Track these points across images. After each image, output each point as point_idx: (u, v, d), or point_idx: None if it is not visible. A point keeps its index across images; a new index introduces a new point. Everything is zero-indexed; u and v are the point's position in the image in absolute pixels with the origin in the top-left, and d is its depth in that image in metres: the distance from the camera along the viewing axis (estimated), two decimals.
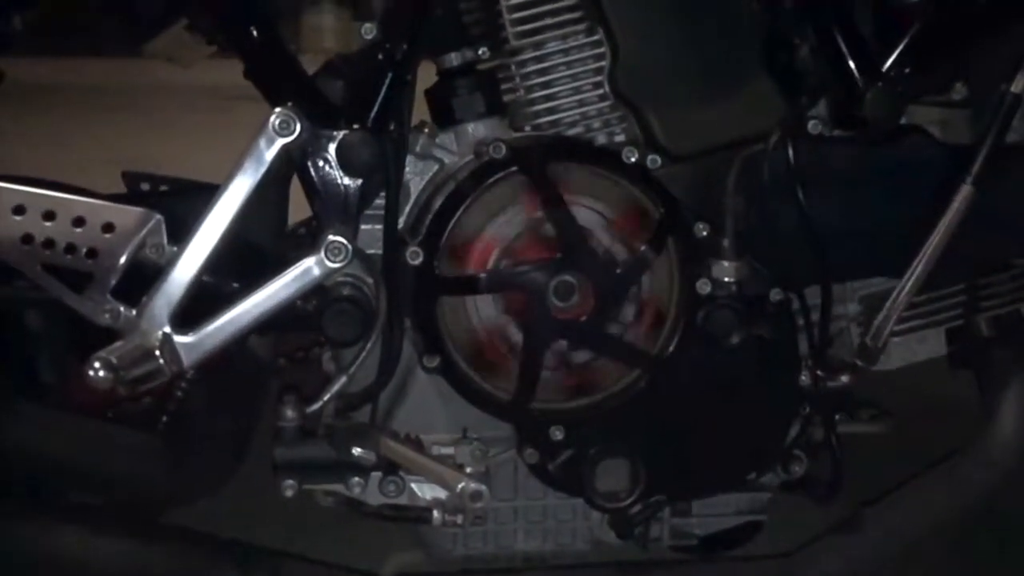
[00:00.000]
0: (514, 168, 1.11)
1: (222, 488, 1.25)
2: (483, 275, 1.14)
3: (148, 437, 1.17)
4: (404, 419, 1.24)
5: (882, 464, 1.35)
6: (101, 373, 0.97)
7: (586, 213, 1.15)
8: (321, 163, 1.12)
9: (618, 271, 1.14)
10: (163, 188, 1.41)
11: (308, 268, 1.09)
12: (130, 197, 1.18)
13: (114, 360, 0.98)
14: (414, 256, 1.12)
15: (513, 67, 1.21)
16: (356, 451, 1.11)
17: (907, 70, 1.16)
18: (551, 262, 1.13)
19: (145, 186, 1.42)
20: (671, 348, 1.17)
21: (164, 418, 1.27)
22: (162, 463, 1.18)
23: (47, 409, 1.16)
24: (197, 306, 1.10)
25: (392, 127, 1.16)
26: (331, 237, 1.10)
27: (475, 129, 1.21)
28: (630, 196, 1.16)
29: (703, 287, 1.16)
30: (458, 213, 1.12)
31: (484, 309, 1.16)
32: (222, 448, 1.27)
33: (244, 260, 1.16)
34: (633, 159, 1.14)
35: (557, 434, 1.18)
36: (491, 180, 1.12)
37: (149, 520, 1.22)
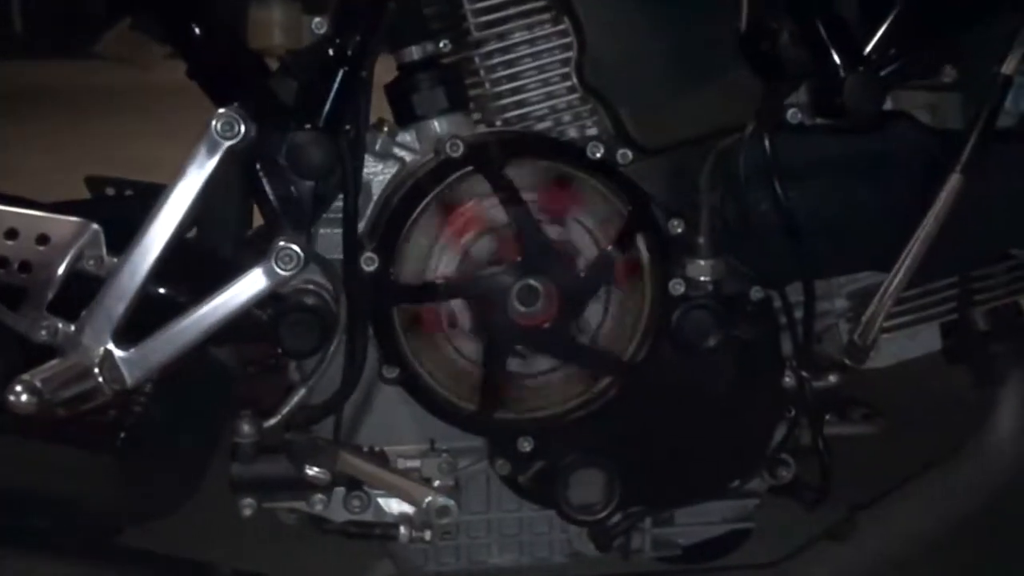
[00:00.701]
0: (470, 167, 1.05)
1: (182, 505, 1.19)
2: (441, 281, 1.08)
3: (92, 456, 1.11)
4: (370, 431, 1.19)
5: (874, 466, 1.31)
6: (24, 397, 0.92)
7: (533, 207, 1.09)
8: (271, 166, 1.07)
9: (584, 273, 1.09)
10: (128, 192, 1.37)
11: (257, 277, 1.04)
12: (72, 205, 1.12)
13: (38, 383, 0.92)
14: (369, 262, 1.06)
15: (477, 60, 1.15)
16: (312, 470, 1.05)
17: (890, 52, 1.11)
18: (513, 266, 1.07)
19: (110, 191, 1.37)
20: (643, 353, 1.11)
21: (122, 433, 1.22)
22: (110, 482, 1.13)
23: None
24: (146, 320, 1.04)
25: (348, 126, 1.10)
26: (281, 244, 1.04)
27: (438, 126, 1.16)
28: (597, 193, 1.10)
29: (676, 287, 1.11)
30: (413, 216, 1.06)
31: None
32: (181, 463, 1.21)
33: (200, 270, 1.11)
34: (598, 154, 1.08)
35: (526, 445, 1.13)
36: (447, 180, 1.06)
37: (102, 542, 1.16)
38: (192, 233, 1.14)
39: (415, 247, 1.08)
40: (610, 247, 1.09)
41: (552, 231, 1.09)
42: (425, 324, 1.09)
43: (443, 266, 1.09)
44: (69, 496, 1.12)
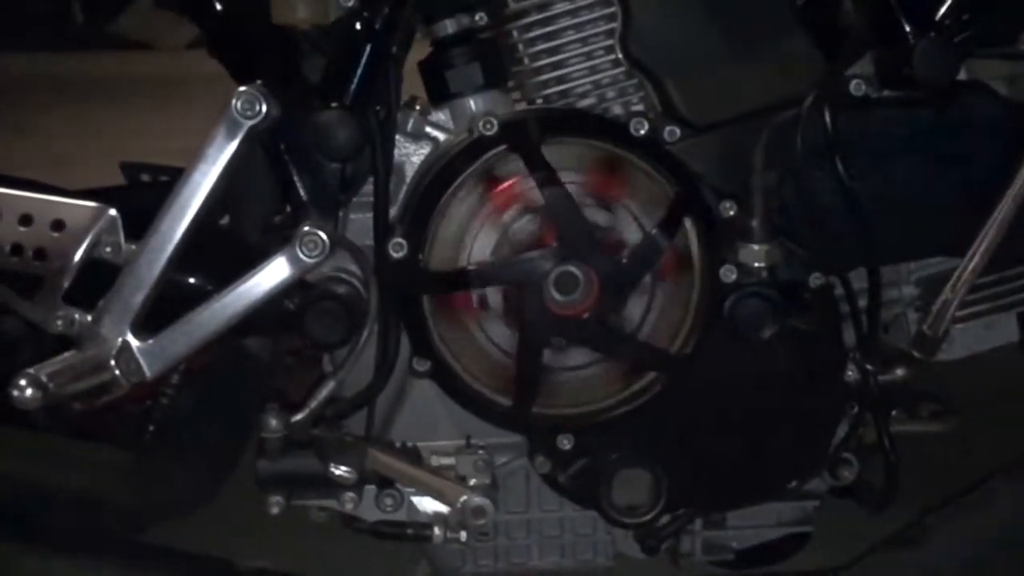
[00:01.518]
0: (504, 146, 0.98)
1: (209, 501, 1.15)
2: (473, 269, 1.02)
3: (118, 451, 1.07)
4: (404, 427, 1.14)
5: (945, 466, 1.27)
6: (28, 392, 0.88)
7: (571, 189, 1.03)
8: (296, 147, 1.02)
9: (627, 259, 1.01)
10: (164, 179, 1.33)
11: (280, 264, 0.99)
12: (95, 192, 1.08)
13: (43, 377, 0.88)
14: (397, 248, 1.00)
15: (515, 33, 1.09)
16: (339, 468, 1.00)
17: (964, 17, 1.03)
18: (550, 251, 1.00)
19: (145, 177, 1.34)
20: (692, 346, 1.04)
21: (151, 427, 1.18)
22: (136, 478, 1.09)
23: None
24: (167, 309, 1.00)
25: (378, 105, 1.04)
26: (306, 229, 0.99)
27: (474, 104, 1.10)
28: (641, 173, 1.02)
29: (728, 274, 1.04)
30: (443, 199, 1.00)
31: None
32: (210, 458, 1.17)
33: (225, 257, 1.06)
34: (643, 131, 1.01)
35: (565, 443, 1.06)
36: (480, 160, 0.99)
37: (125, 540, 1.13)
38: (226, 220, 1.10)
39: (446, 232, 1.02)
40: (655, 231, 1.01)
41: (593, 214, 1.02)
42: (458, 314, 1.03)
43: (476, 252, 1.04)
44: (91, 493, 1.09)
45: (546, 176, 0.99)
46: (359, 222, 1.09)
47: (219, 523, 1.26)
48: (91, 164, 1.28)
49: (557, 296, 1.00)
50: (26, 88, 3.66)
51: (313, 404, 1.07)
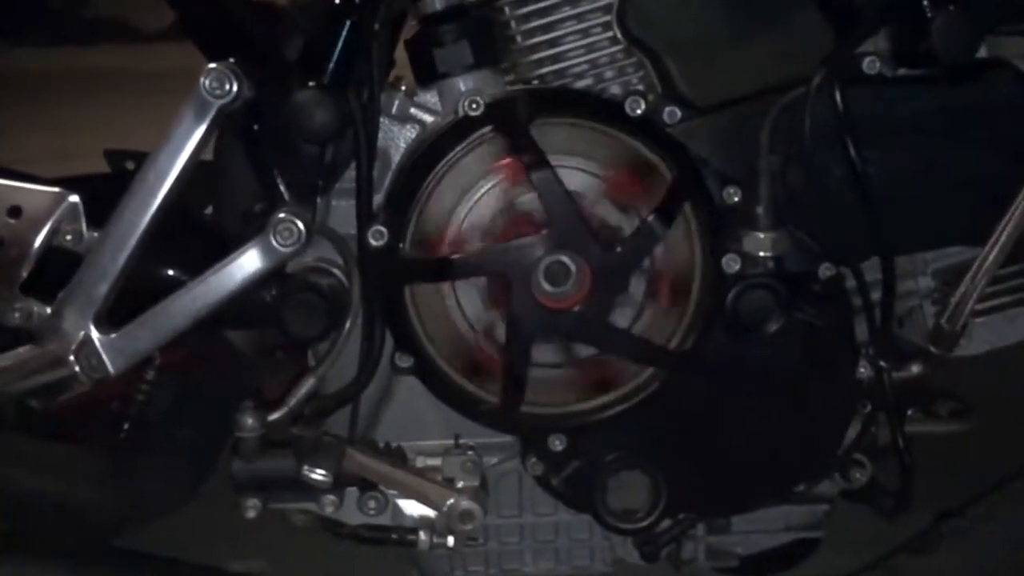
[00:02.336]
0: (489, 127, 0.92)
1: (184, 505, 1.10)
2: (457, 257, 0.96)
3: (88, 452, 1.02)
4: (390, 426, 1.09)
5: (964, 469, 1.22)
6: None
7: (581, 177, 0.97)
8: (271, 129, 0.96)
9: (622, 247, 0.95)
10: None
11: (253, 254, 0.93)
12: (58, 180, 1.03)
13: None
14: (377, 236, 0.95)
15: (507, 9, 1.04)
16: (314, 471, 0.94)
17: None
18: (539, 239, 0.94)
19: (130, 164, 1.29)
20: (692, 340, 0.98)
21: (126, 426, 1.13)
22: (107, 480, 1.04)
23: None
24: (133, 302, 0.94)
25: (361, 86, 0.98)
26: (280, 216, 0.94)
27: (463, 84, 1.04)
28: (636, 155, 0.96)
29: (731, 264, 0.98)
30: (426, 183, 0.94)
31: (465, 298, 0.99)
32: (187, 458, 1.12)
33: (200, 247, 1.01)
34: (639, 111, 0.95)
35: (557, 444, 1.01)
36: (465, 142, 0.93)
37: (99, 544, 1.08)
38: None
39: (429, 219, 0.96)
40: (651, 217, 0.95)
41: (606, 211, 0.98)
42: (441, 305, 0.97)
43: (461, 240, 0.97)
44: (64, 496, 1.03)
45: (535, 159, 0.93)
46: (343, 209, 1.04)
47: (207, 525, 1.21)
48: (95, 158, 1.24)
49: (547, 287, 0.94)
50: (28, 82, 3.65)
51: (292, 402, 1.02)
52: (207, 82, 0.91)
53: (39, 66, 3.91)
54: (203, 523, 1.17)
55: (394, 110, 1.06)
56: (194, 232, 1.07)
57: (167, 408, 1.13)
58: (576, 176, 0.98)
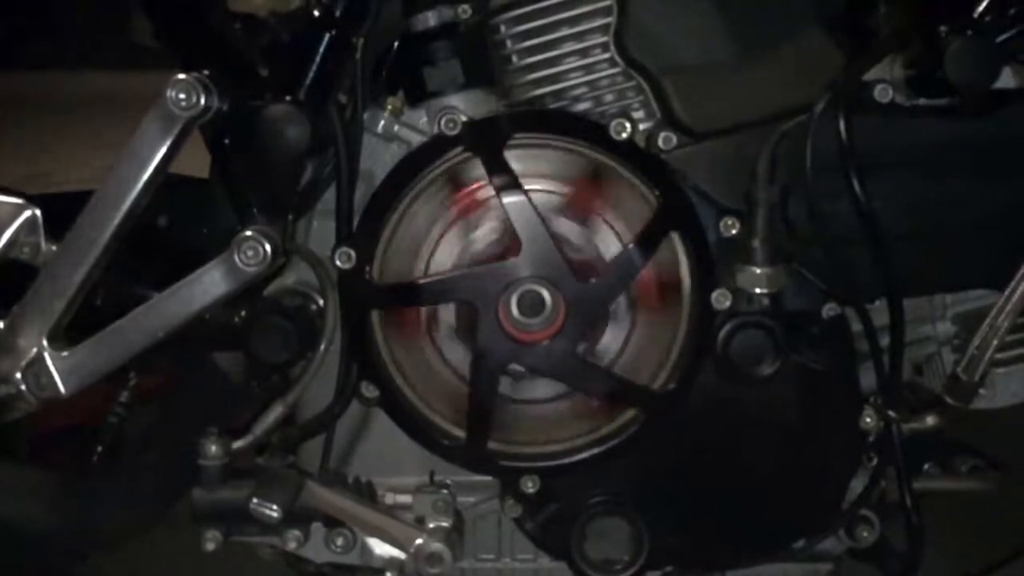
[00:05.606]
0: (461, 148, 0.87)
1: (147, 531, 1.05)
2: (424, 282, 0.91)
3: (44, 474, 0.98)
4: (365, 459, 1.04)
5: (985, 530, 1.17)
6: None
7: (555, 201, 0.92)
8: (243, 144, 0.92)
9: (600, 277, 0.90)
10: None
11: (215, 273, 0.89)
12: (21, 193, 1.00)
13: None
14: (344, 258, 0.90)
15: (503, 28, 1.00)
16: (264, 504, 0.89)
17: (1008, 12, 0.92)
18: (509, 265, 0.89)
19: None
20: (677, 380, 0.91)
21: (99, 448, 1.09)
22: (56, 503, 1.00)
23: None
24: (91, 320, 0.91)
25: (344, 102, 0.95)
26: (246, 234, 0.89)
27: (454, 104, 0.99)
28: (621, 180, 0.91)
29: (721, 300, 0.91)
30: (397, 205, 0.89)
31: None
32: (151, 485, 1.08)
33: (167, 264, 0.97)
34: (624, 134, 0.89)
35: (529, 485, 0.94)
36: (437, 163, 0.88)
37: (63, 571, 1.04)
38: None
39: (399, 242, 0.91)
40: (632, 246, 0.89)
41: (565, 227, 0.91)
42: (408, 332, 0.92)
43: (431, 264, 0.92)
44: (15, 519, 0.99)
45: (506, 182, 0.88)
46: (324, 229, 0.99)
47: (174, 552, 1.16)
48: None
49: (517, 316, 0.88)
50: (44, 105, 3.70)
51: (258, 430, 0.97)
52: (173, 93, 0.87)
53: (90, 91, 3.98)
54: (168, 549, 1.12)
55: (380, 128, 1.02)
56: (159, 249, 1.03)
57: (141, 432, 1.09)
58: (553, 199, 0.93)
